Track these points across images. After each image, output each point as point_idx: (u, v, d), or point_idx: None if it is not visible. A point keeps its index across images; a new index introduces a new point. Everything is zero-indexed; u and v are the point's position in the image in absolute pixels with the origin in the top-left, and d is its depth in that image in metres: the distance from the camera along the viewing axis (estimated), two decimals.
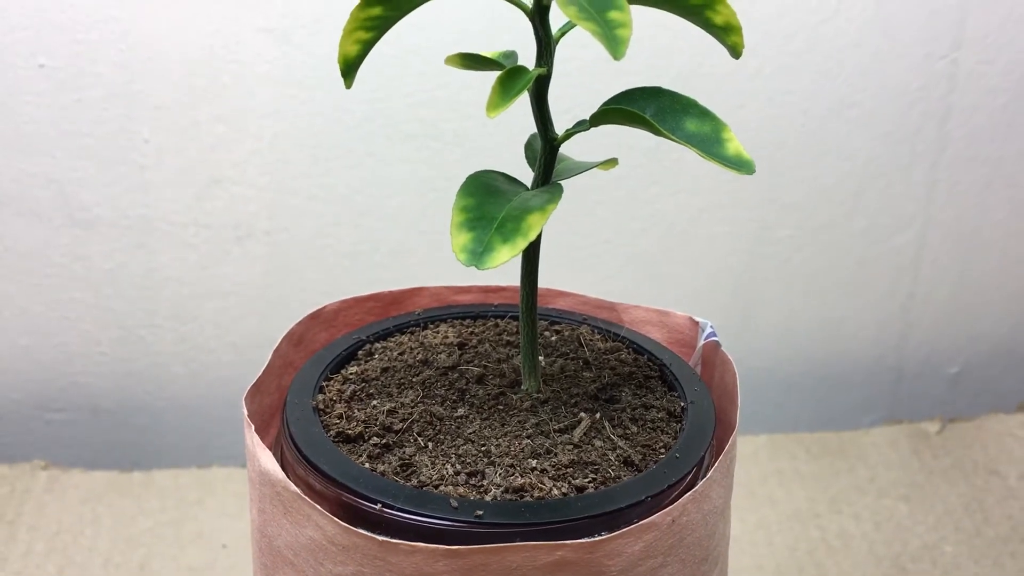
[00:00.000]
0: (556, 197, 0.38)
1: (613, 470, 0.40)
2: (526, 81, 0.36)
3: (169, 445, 0.82)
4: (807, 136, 0.79)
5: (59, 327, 0.78)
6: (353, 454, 0.40)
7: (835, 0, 0.75)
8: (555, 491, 0.38)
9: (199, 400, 0.81)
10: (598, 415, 0.43)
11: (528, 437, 0.41)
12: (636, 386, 0.46)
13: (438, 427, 0.42)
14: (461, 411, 0.43)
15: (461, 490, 0.38)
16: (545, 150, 0.41)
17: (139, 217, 0.75)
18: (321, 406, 0.43)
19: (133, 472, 0.79)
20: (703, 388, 0.45)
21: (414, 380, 0.45)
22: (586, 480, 0.39)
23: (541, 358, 0.47)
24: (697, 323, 0.50)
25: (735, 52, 0.38)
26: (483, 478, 0.39)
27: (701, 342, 0.49)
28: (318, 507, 0.37)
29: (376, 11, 0.37)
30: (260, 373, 0.44)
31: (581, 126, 0.40)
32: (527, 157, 0.43)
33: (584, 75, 0.73)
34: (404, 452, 0.40)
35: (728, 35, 0.38)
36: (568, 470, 0.40)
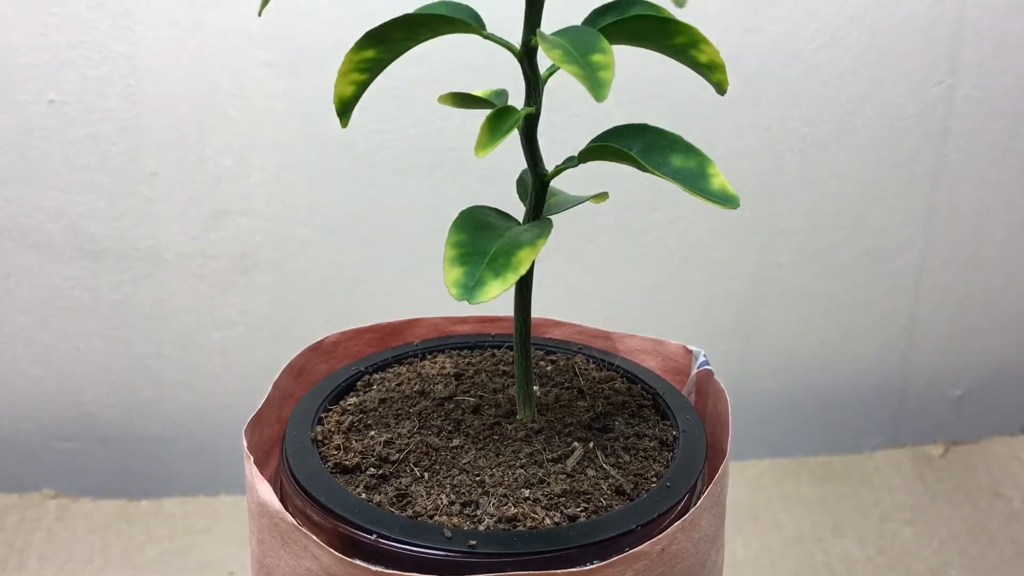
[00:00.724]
0: (546, 232, 0.39)
1: (605, 499, 0.40)
2: (514, 121, 0.37)
3: (177, 474, 0.82)
4: (806, 161, 0.80)
5: (68, 357, 0.79)
6: (350, 485, 0.41)
7: (832, 28, 0.76)
8: (547, 520, 0.39)
9: (206, 429, 0.82)
10: (591, 444, 0.43)
11: (522, 467, 0.42)
12: (629, 415, 0.46)
13: (434, 457, 0.43)
14: (456, 441, 0.44)
15: (455, 520, 0.39)
16: (536, 185, 0.42)
17: (147, 249, 0.76)
18: (319, 437, 0.44)
19: (141, 501, 0.80)
20: (695, 417, 0.46)
21: (411, 411, 0.46)
22: (578, 509, 0.40)
23: (536, 387, 0.47)
24: (691, 352, 0.50)
25: (720, 89, 0.39)
26: (477, 508, 0.40)
27: (695, 371, 0.49)
28: (314, 538, 0.38)
29: (370, 54, 0.38)
30: (260, 405, 0.45)
31: (570, 162, 0.41)
32: (519, 192, 0.44)
33: (584, 104, 0.74)
34: (400, 482, 0.41)
35: (713, 73, 0.39)
36: (560, 499, 0.40)
